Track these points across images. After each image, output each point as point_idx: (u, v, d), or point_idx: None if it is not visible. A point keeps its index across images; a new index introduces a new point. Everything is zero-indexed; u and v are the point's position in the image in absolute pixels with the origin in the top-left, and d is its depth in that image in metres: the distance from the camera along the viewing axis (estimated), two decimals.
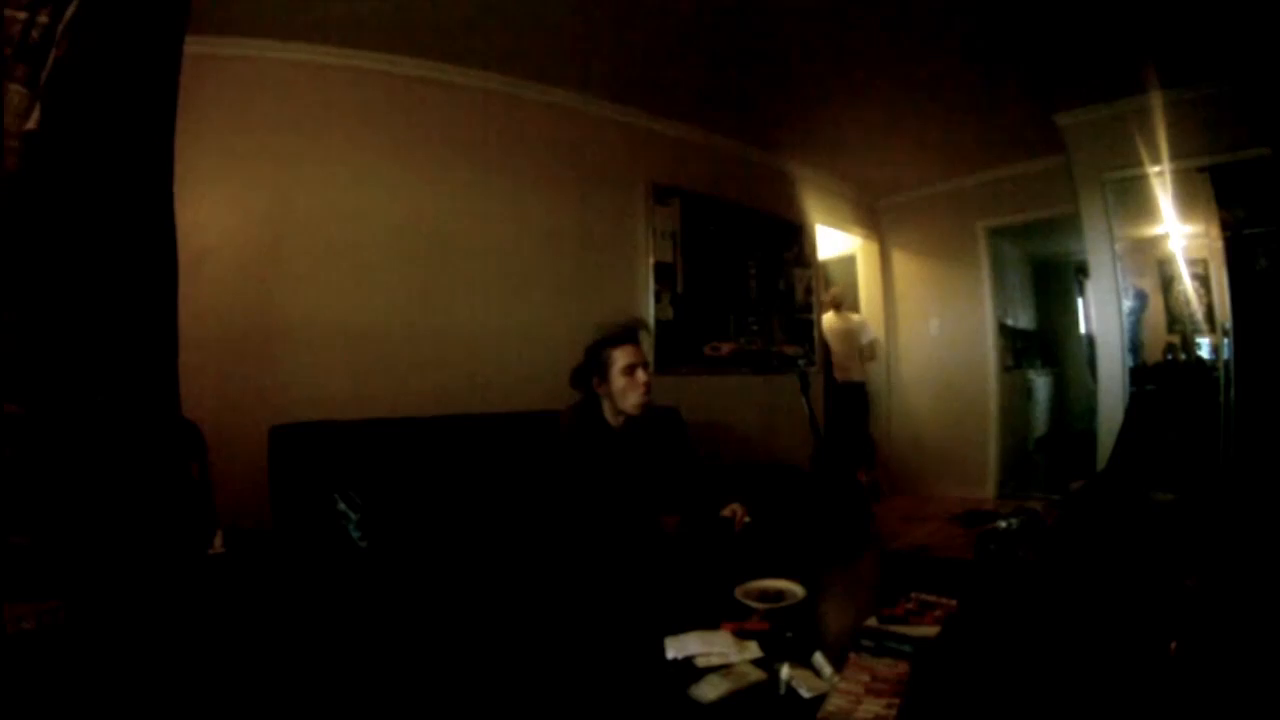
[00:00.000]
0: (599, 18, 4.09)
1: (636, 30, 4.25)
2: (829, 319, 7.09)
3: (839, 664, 1.70)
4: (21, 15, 1.78)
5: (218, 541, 2.94)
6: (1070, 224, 6.02)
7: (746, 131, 6.05)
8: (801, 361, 6.54)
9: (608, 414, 2.88)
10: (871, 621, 1.94)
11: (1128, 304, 5.39)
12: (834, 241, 7.82)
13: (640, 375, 2.79)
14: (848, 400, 6.97)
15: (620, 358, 2.79)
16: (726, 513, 2.80)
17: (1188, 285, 5.15)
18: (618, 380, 2.79)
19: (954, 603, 2.06)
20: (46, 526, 1.83)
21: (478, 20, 4.06)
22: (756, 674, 1.69)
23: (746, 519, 2.78)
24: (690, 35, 4.33)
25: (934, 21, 4.18)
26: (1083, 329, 9.69)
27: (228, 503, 3.28)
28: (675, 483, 2.93)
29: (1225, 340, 4.88)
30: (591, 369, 2.86)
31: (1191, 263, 5.15)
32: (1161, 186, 5.16)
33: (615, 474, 2.80)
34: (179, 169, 3.78)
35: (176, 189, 3.77)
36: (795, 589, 2.17)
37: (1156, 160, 5.12)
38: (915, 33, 4.31)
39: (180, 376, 3.65)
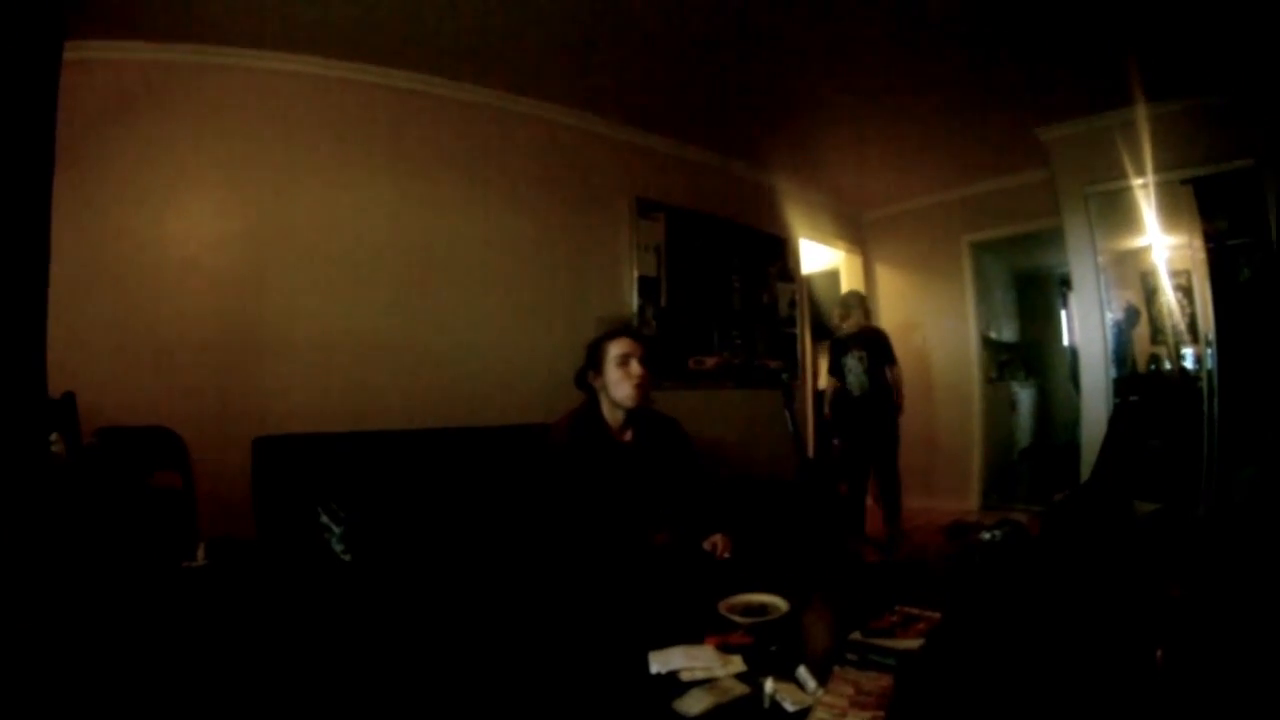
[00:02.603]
0: (586, 34, 4.11)
1: (623, 46, 4.27)
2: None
3: (823, 677, 1.69)
4: None
5: (200, 553, 2.93)
6: (1054, 237, 6.05)
7: (731, 146, 6.08)
8: (785, 375, 6.53)
9: (605, 410, 2.89)
10: (856, 635, 1.93)
11: (1118, 317, 5.42)
12: (818, 255, 7.86)
13: (634, 367, 2.79)
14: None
15: (614, 349, 2.81)
16: (707, 546, 2.79)
17: (1170, 297, 5.18)
18: (612, 372, 2.80)
19: (938, 615, 2.06)
20: None
21: (468, 35, 4.08)
22: (740, 688, 1.68)
23: (727, 554, 2.77)
24: (676, 51, 4.35)
25: (917, 37, 4.20)
26: (1066, 341, 9.75)
27: (211, 513, 3.28)
28: (676, 494, 2.91)
29: (1209, 350, 4.91)
30: (589, 364, 2.89)
31: (1175, 274, 5.18)
32: (1144, 199, 5.20)
33: (615, 480, 2.79)
34: (164, 179, 3.84)
35: (162, 200, 3.81)
36: (779, 603, 2.15)
37: (1139, 173, 5.16)
38: (900, 48, 4.33)
39: (164, 386, 3.67)
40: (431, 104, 4.62)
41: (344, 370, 4.16)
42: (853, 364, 5.99)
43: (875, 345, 6.04)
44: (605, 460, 2.82)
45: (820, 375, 7.08)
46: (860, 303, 6.20)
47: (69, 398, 2.85)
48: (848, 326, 6.10)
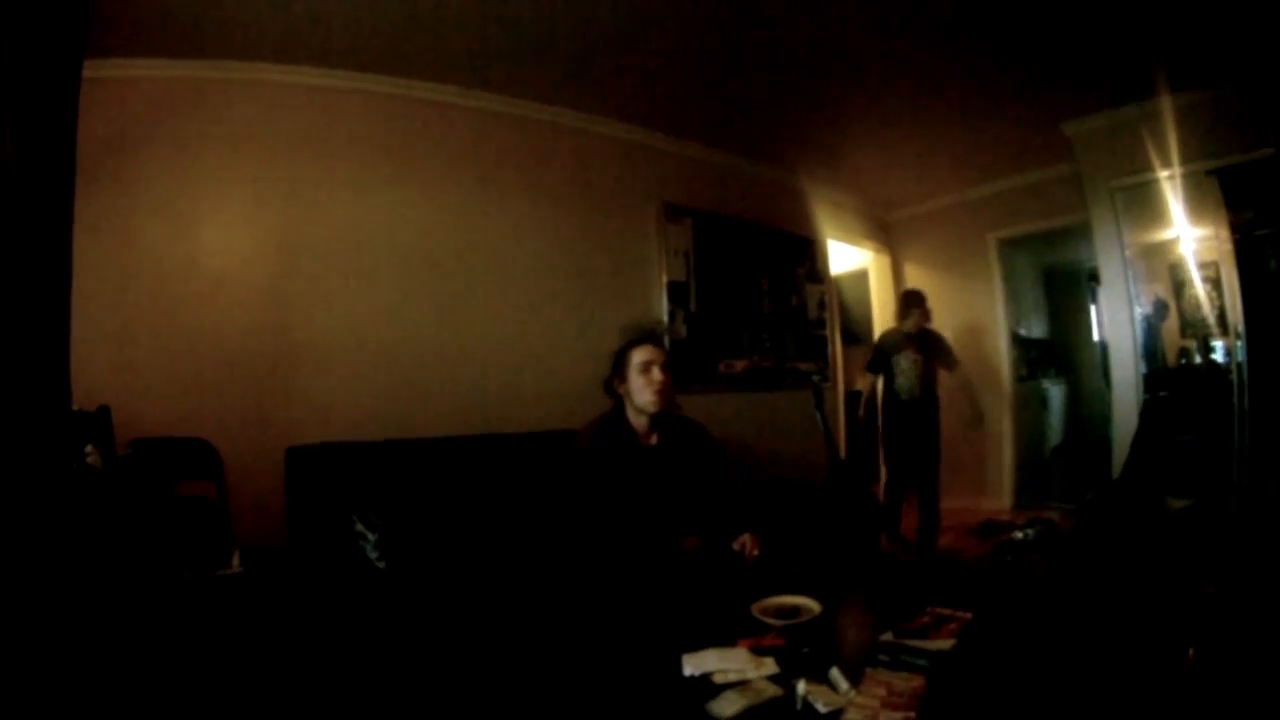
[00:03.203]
0: (607, 39, 4.13)
1: (645, 50, 4.28)
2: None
3: (855, 679, 1.70)
4: None
5: (235, 560, 2.98)
6: (1081, 232, 6.01)
7: (756, 148, 6.08)
8: (816, 377, 6.50)
9: (631, 416, 2.94)
10: (888, 636, 1.94)
11: (1146, 311, 5.38)
12: (846, 256, 7.84)
13: (655, 374, 2.84)
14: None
15: (637, 356, 2.88)
16: (737, 546, 2.80)
17: (1199, 289, 5.14)
18: (635, 379, 2.86)
19: (970, 615, 2.06)
20: None
21: (486, 44, 4.11)
22: (773, 690, 1.69)
23: (757, 551, 2.78)
24: (698, 54, 4.36)
25: (940, 34, 4.19)
26: (1095, 336, 9.64)
27: (245, 522, 3.33)
28: (702, 499, 2.94)
29: (1238, 342, 4.85)
30: (615, 371, 2.95)
31: (1202, 266, 5.14)
32: (1170, 191, 5.15)
33: (640, 482, 2.84)
34: (194, 193, 3.90)
35: (192, 214, 3.87)
36: (811, 605, 2.16)
37: (1165, 165, 5.12)
38: (922, 46, 4.33)
39: (197, 397, 3.72)
40: (452, 114, 4.65)
41: (374, 379, 4.20)
42: (906, 365, 5.80)
43: (931, 348, 5.88)
44: (631, 463, 2.87)
45: (855, 376, 6.99)
46: (920, 301, 5.89)
47: (104, 411, 2.91)
48: (907, 326, 5.85)
